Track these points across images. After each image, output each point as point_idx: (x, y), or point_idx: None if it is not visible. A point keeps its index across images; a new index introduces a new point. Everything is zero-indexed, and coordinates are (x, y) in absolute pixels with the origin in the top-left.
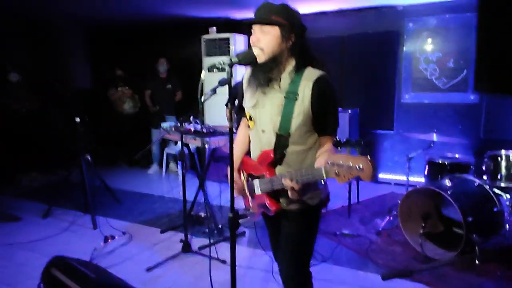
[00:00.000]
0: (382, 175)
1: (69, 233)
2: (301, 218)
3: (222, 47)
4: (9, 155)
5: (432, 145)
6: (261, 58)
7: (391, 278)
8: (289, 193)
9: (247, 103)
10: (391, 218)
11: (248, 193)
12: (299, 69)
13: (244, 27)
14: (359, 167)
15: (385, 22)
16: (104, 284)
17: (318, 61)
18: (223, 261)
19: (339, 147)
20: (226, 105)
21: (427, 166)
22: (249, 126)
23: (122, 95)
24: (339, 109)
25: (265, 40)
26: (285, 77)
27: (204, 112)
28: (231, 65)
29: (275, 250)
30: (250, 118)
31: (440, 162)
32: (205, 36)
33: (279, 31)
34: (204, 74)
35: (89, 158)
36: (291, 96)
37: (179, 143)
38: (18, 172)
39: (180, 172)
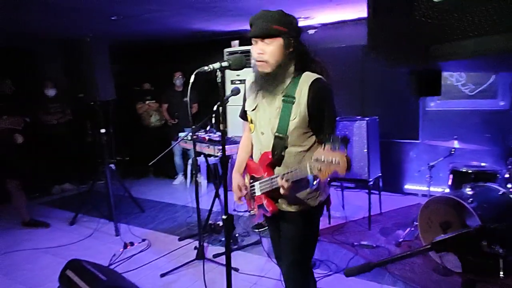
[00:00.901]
0: (408, 186)
1: (92, 239)
2: (300, 220)
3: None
4: (45, 167)
5: (453, 151)
6: (266, 68)
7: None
8: (281, 191)
9: (248, 107)
10: (413, 229)
11: (250, 195)
12: (297, 74)
13: None
14: (335, 161)
15: None
16: (113, 286)
17: (318, 65)
18: (236, 269)
19: (330, 145)
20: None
21: (451, 176)
22: (250, 129)
23: (148, 108)
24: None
25: (269, 51)
26: (284, 81)
27: (226, 123)
28: (222, 70)
29: (277, 252)
30: (251, 122)
31: (463, 170)
32: (227, 50)
33: (281, 40)
34: (193, 77)
35: (113, 167)
36: (288, 99)
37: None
38: (53, 184)
39: (202, 179)
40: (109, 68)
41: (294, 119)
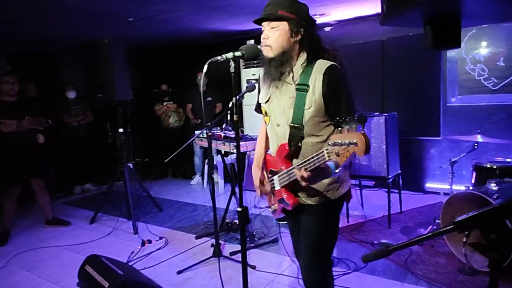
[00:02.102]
0: (429, 184)
1: (111, 237)
2: (320, 212)
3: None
4: (67, 168)
5: (476, 146)
6: (270, 54)
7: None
8: (301, 182)
9: (262, 99)
10: (435, 227)
11: (270, 190)
12: (310, 62)
13: None
14: (353, 141)
15: None
16: (130, 280)
17: (330, 54)
18: (253, 267)
19: (341, 127)
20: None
21: (474, 172)
22: (265, 122)
23: (167, 109)
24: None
25: (273, 36)
26: (297, 71)
27: (243, 121)
28: (235, 60)
29: (296, 246)
30: (266, 114)
31: (488, 166)
32: None
33: (287, 25)
34: (205, 68)
35: (132, 167)
36: (302, 88)
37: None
38: (75, 183)
39: (218, 179)
40: (126, 69)
41: (309, 108)
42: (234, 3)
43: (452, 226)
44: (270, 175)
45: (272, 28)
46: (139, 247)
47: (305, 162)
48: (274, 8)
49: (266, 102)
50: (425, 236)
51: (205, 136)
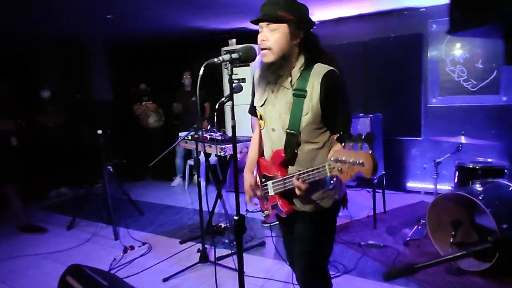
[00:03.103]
0: (411, 184)
1: (91, 244)
2: (315, 221)
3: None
4: (40, 170)
5: (460, 147)
6: (269, 57)
7: (393, 279)
8: (296, 191)
9: (257, 102)
10: (420, 227)
11: (262, 195)
12: (308, 66)
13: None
14: (359, 162)
15: (407, 25)
16: None
17: (328, 57)
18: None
19: (343, 143)
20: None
21: (457, 172)
22: (260, 126)
23: (146, 109)
24: (362, 114)
25: (273, 38)
26: (295, 74)
27: (225, 122)
28: (232, 62)
29: (290, 255)
30: (261, 118)
31: (470, 166)
32: (224, 48)
33: (288, 27)
34: (202, 70)
35: (111, 170)
36: (299, 93)
37: (202, 154)
38: (49, 188)
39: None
40: (106, 68)
41: (307, 114)
42: (219, 1)
43: (490, 245)
44: (263, 180)
45: (271, 30)
46: (121, 254)
47: (304, 173)
48: (273, 8)
49: (262, 105)
50: (457, 255)
51: (190, 138)
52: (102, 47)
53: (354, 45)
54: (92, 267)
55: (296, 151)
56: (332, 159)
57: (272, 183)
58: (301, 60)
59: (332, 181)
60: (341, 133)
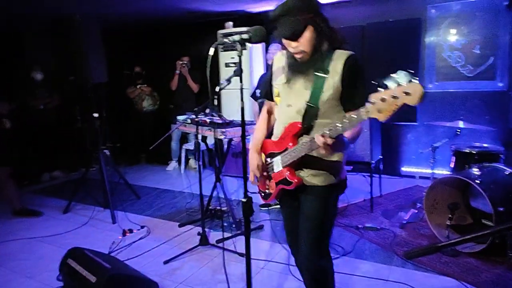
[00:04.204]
0: (405, 168)
1: (89, 227)
2: (323, 194)
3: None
4: (33, 153)
5: (458, 132)
6: (306, 57)
7: (416, 257)
8: (321, 150)
9: (278, 80)
10: (416, 211)
11: (266, 173)
12: (329, 51)
13: (261, 20)
14: (406, 92)
15: (406, 10)
16: (118, 273)
17: (346, 44)
18: (242, 254)
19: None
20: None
21: (453, 157)
22: (275, 104)
23: (141, 93)
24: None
25: (304, 42)
26: (318, 57)
27: (221, 106)
28: (242, 43)
29: (291, 234)
30: (278, 95)
31: (467, 151)
32: (220, 31)
33: (312, 27)
34: (212, 51)
35: (108, 153)
36: (321, 72)
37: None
38: (42, 171)
39: (196, 165)
40: (101, 49)
41: (327, 91)
42: None
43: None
44: (268, 159)
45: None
46: (120, 237)
47: (329, 128)
48: (294, 17)
49: (282, 83)
50: (478, 234)
51: (189, 122)
52: (96, 27)
53: (352, 29)
54: (93, 250)
55: (312, 123)
56: (371, 101)
57: (282, 156)
58: (325, 45)
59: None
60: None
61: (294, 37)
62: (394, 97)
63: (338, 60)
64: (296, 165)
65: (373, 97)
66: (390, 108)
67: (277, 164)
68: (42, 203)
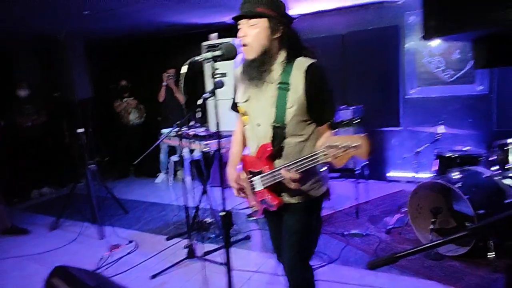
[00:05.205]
0: (391, 173)
1: (76, 244)
2: (303, 211)
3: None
4: (22, 171)
5: (439, 137)
6: (250, 53)
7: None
8: (289, 184)
9: (240, 98)
10: (401, 215)
11: (249, 191)
12: (290, 60)
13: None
14: (355, 145)
15: (384, 18)
16: None
17: (309, 51)
18: None
19: (336, 129)
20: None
21: (436, 161)
22: (243, 122)
23: (127, 106)
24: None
25: (253, 34)
26: (276, 69)
27: (207, 117)
28: (214, 60)
29: (278, 248)
30: (244, 114)
31: (449, 155)
32: (205, 43)
33: (267, 23)
34: (184, 69)
35: (94, 168)
36: (283, 87)
37: (186, 150)
38: (31, 188)
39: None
40: (85, 65)
41: (292, 107)
42: None
43: (466, 233)
44: (249, 176)
45: (251, 25)
46: (107, 253)
47: (296, 163)
48: (253, 5)
49: (245, 101)
50: (435, 243)
51: (174, 135)
52: (80, 44)
53: (332, 38)
54: (78, 267)
55: (282, 144)
56: (326, 145)
57: (261, 177)
58: (283, 54)
59: (323, 169)
60: (330, 121)
61: (245, 16)
62: (346, 147)
63: (298, 69)
64: (275, 187)
65: (330, 141)
66: (344, 157)
67: (258, 184)
68: (30, 220)
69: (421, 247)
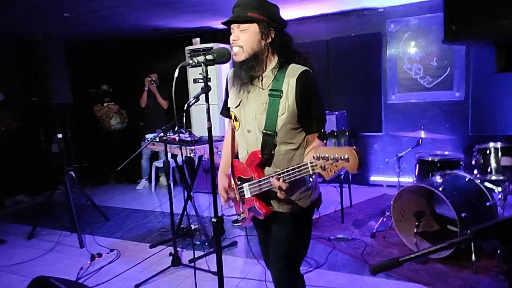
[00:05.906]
0: (373, 178)
1: (55, 253)
2: (292, 222)
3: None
4: None
5: (420, 142)
6: (241, 56)
7: (380, 272)
8: (278, 193)
9: (231, 103)
10: (385, 219)
11: (238, 198)
12: (282, 66)
13: (228, 36)
14: (344, 157)
15: (367, 25)
16: None
17: (301, 56)
18: (215, 273)
19: (324, 140)
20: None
21: (417, 165)
22: (234, 127)
23: (108, 111)
24: (327, 111)
25: (244, 38)
26: (268, 75)
27: (191, 123)
28: (206, 64)
29: (266, 256)
30: (236, 119)
31: (430, 159)
32: (188, 47)
33: (258, 27)
34: (177, 72)
35: (73, 175)
36: (275, 94)
37: (169, 155)
38: (4, 196)
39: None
40: (65, 69)
41: (283, 114)
42: (182, 0)
43: (470, 236)
44: (239, 182)
45: (242, 30)
46: (89, 262)
47: (284, 173)
48: (243, 10)
49: (236, 106)
50: (436, 247)
51: (158, 140)
52: (60, 47)
53: (317, 43)
54: (58, 277)
55: (272, 152)
56: (315, 156)
57: (249, 185)
58: (275, 60)
59: (311, 179)
60: (320, 131)
61: (235, 21)
62: (335, 159)
63: (290, 77)
64: (264, 195)
65: (319, 152)
66: (333, 169)
67: (247, 191)
68: (4, 229)
69: (424, 251)
